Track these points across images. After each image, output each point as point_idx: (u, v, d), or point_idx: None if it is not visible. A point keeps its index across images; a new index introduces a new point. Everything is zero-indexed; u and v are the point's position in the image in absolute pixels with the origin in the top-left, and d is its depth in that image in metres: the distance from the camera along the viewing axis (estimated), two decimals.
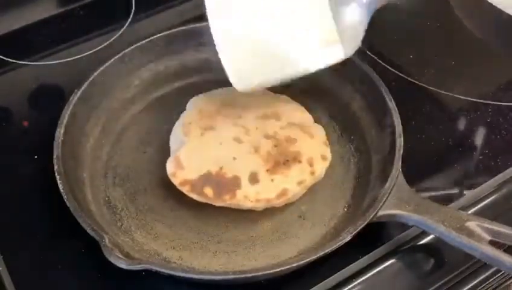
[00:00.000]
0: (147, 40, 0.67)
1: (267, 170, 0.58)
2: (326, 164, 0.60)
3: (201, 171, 0.58)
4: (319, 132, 0.62)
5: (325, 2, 0.56)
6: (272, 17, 0.56)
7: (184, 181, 0.58)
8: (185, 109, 0.64)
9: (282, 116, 0.63)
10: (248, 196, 0.57)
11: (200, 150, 0.60)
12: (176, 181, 0.58)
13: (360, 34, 0.57)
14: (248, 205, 0.57)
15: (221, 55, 0.56)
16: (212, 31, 0.56)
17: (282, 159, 0.59)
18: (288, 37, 0.56)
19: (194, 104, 0.64)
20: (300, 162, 0.59)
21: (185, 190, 0.57)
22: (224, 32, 0.56)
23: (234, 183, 0.57)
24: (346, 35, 0.57)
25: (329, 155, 0.60)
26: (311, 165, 0.59)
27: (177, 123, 0.63)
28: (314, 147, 0.60)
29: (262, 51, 0.56)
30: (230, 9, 0.57)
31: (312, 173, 0.59)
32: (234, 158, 0.59)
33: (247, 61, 0.56)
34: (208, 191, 0.57)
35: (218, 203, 0.57)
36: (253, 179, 0.58)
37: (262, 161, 0.59)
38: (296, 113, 0.63)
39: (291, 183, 0.58)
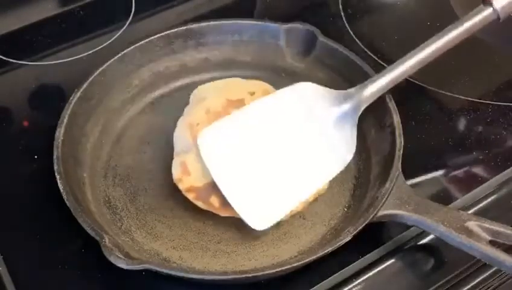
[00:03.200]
0: (146, 40, 0.67)
1: None
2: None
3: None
4: None
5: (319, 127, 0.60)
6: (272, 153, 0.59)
7: (190, 188, 0.58)
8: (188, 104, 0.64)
9: None
10: None
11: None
12: (181, 187, 0.58)
13: (354, 138, 0.60)
14: None
15: (232, 203, 0.56)
16: (217, 181, 0.57)
17: None
18: (293, 170, 0.58)
19: (199, 98, 0.63)
20: None
21: (191, 197, 0.57)
22: (229, 181, 0.57)
23: None
24: (342, 144, 0.60)
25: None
26: None
27: (181, 119, 0.62)
28: None
29: (269, 188, 0.57)
30: (227, 154, 0.58)
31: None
32: None
33: (261, 204, 0.57)
34: (214, 200, 0.57)
35: (224, 214, 0.57)
36: None
37: None
38: None
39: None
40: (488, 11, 0.60)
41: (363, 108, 0.60)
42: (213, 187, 0.57)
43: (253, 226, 0.56)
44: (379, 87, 0.60)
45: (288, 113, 0.61)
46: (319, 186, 0.59)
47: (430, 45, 0.60)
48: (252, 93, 0.64)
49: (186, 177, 0.58)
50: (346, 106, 0.60)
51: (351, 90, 0.61)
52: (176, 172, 0.58)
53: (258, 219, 0.56)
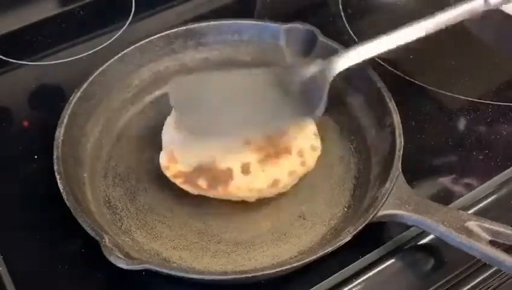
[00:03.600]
0: (146, 40, 0.67)
1: (259, 161, 0.58)
2: (317, 154, 0.60)
3: (194, 164, 0.58)
4: (309, 123, 0.63)
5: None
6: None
7: (178, 173, 0.58)
8: None
9: None
10: (240, 187, 0.57)
11: (193, 143, 0.60)
12: (169, 174, 0.58)
13: (324, 97, 0.60)
14: (240, 194, 0.58)
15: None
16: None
17: (273, 151, 0.59)
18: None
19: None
20: (290, 153, 0.59)
21: (179, 181, 0.58)
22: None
23: (227, 175, 0.58)
24: (310, 100, 0.60)
25: (319, 145, 0.61)
26: (301, 156, 0.59)
27: (169, 118, 0.62)
28: (304, 138, 0.61)
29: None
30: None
31: (303, 164, 0.59)
32: (226, 150, 0.59)
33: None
34: (202, 182, 0.57)
35: (211, 194, 0.58)
36: (245, 170, 0.58)
37: (254, 152, 0.59)
38: None
39: (282, 174, 0.58)
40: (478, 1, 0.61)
41: (333, 74, 0.60)
42: (200, 170, 0.58)
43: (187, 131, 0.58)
44: (351, 55, 0.60)
45: (260, 81, 0.62)
46: (275, 125, 0.60)
47: (412, 24, 0.60)
48: None
49: (174, 164, 0.58)
50: (313, 69, 0.61)
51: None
52: (163, 161, 0.59)
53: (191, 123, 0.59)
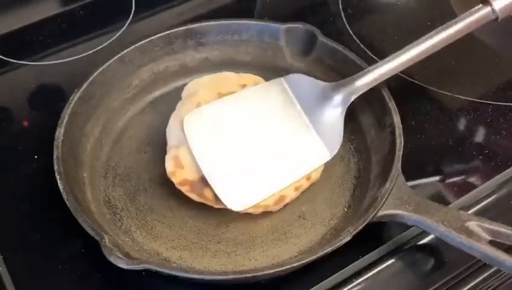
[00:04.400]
0: (147, 40, 0.67)
1: None
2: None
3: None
4: None
5: (305, 119, 0.61)
6: (256, 142, 0.60)
7: (184, 181, 0.58)
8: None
9: None
10: None
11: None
12: (175, 180, 0.58)
13: (341, 130, 0.60)
14: (246, 210, 0.57)
15: (211, 183, 0.57)
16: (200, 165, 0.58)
17: None
18: (274, 157, 0.59)
19: (190, 93, 0.63)
20: None
21: (184, 189, 0.57)
22: (210, 162, 0.58)
23: None
24: (328, 136, 0.60)
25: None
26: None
27: (173, 114, 0.62)
28: None
29: (251, 174, 0.58)
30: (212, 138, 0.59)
31: (308, 178, 0.59)
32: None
33: (239, 186, 0.58)
34: (208, 193, 0.57)
35: (217, 206, 0.57)
36: None
37: None
38: None
39: (288, 189, 0.58)
40: (486, 10, 0.60)
41: (351, 99, 0.60)
42: (206, 179, 0.57)
43: (229, 206, 0.56)
44: (369, 80, 0.60)
45: (274, 102, 0.62)
46: (301, 175, 0.59)
47: (425, 41, 0.60)
48: (243, 86, 0.64)
49: (180, 170, 0.58)
50: (333, 97, 0.60)
51: (341, 81, 0.61)
52: (169, 166, 0.58)
53: (235, 200, 0.57)
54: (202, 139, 0.59)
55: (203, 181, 0.57)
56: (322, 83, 0.62)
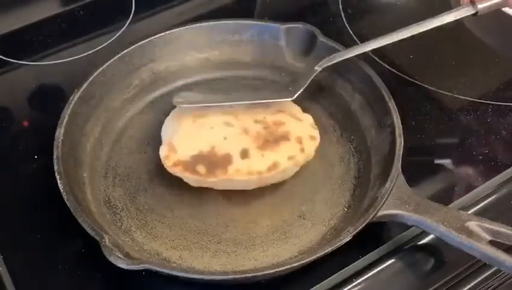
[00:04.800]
0: (146, 40, 0.67)
1: (258, 147, 0.59)
2: (315, 143, 0.61)
3: (193, 153, 0.58)
4: (307, 118, 0.63)
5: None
6: None
7: (177, 162, 0.58)
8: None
9: (271, 106, 0.63)
10: (240, 170, 0.58)
11: (192, 134, 0.60)
12: (168, 163, 0.58)
13: (304, 83, 0.64)
14: (240, 178, 0.58)
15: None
16: None
17: (272, 138, 0.60)
18: None
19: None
20: (289, 140, 0.60)
21: (178, 170, 0.58)
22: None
23: (226, 160, 0.58)
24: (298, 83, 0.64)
25: (317, 136, 0.61)
26: (300, 143, 0.60)
27: (168, 118, 0.63)
28: (302, 128, 0.61)
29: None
30: None
31: (302, 150, 0.60)
32: (225, 138, 0.60)
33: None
34: (200, 168, 0.58)
35: (210, 179, 0.58)
36: (244, 154, 0.59)
37: (252, 139, 0.60)
38: (285, 104, 0.64)
39: (281, 157, 0.59)
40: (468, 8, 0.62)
41: (324, 64, 0.64)
42: (198, 158, 0.58)
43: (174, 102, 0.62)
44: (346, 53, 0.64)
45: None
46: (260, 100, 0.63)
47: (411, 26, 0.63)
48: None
49: (173, 154, 0.59)
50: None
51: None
52: (163, 151, 0.59)
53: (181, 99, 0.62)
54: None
55: (195, 159, 0.58)
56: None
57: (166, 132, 0.62)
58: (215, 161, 0.58)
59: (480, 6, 0.62)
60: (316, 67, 0.64)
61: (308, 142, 0.60)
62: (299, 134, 0.61)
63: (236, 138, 0.60)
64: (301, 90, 0.63)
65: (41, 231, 0.58)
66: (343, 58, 0.64)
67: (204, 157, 0.58)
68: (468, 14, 0.62)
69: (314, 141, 0.61)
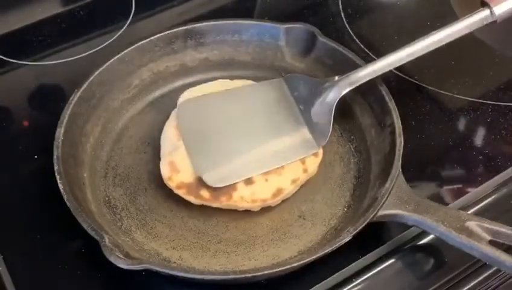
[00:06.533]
0: (147, 40, 0.67)
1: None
2: (318, 159, 0.61)
3: (196, 174, 0.58)
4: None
5: (298, 114, 0.63)
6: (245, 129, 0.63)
7: (180, 184, 0.58)
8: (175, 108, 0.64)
9: None
10: (244, 197, 0.58)
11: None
12: (172, 185, 0.58)
13: (330, 122, 0.61)
14: (244, 205, 0.58)
15: (191, 157, 0.60)
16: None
17: None
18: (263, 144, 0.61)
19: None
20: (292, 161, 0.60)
21: (182, 192, 0.58)
22: (195, 144, 0.61)
23: (230, 186, 0.58)
24: (318, 129, 0.61)
25: (320, 151, 0.61)
26: (303, 163, 0.60)
27: (167, 123, 0.63)
28: None
29: (233, 155, 0.60)
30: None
31: (305, 171, 0.60)
32: None
33: (218, 163, 0.60)
34: (204, 193, 0.57)
35: (215, 205, 0.58)
36: (248, 180, 0.58)
37: None
38: None
39: (285, 182, 0.59)
40: (485, 13, 0.61)
41: (342, 94, 0.61)
42: (202, 180, 0.58)
43: (204, 179, 0.57)
44: (360, 76, 0.61)
45: (269, 97, 0.65)
46: (285, 162, 0.60)
47: (420, 41, 0.60)
48: None
49: (176, 175, 0.58)
50: (325, 91, 0.61)
51: (334, 77, 0.62)
52: (165, 171, 0.59)
53: (212, 176, 0.58)
54: (192, 123, 0.62)
55: (199, 182, 0.58)
56: (316, 80, 0.63)
57: (166, 141, 0.62)
58: (219, 186, 0.58)
59: (498, 11, 0.60)
60: (335, 100, 0.60)
61: (311, 160, 0.60)
62: None
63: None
64: (328, 136, 0.61)
65: (41, 231, 0.58)
66: (365, 81, 0.60)
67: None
68: (487, 22, 0.61)
69: (317, 158, 0.61)
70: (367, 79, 0.60)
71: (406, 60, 0.61)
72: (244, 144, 0.61)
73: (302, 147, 0.61)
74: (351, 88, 0.61)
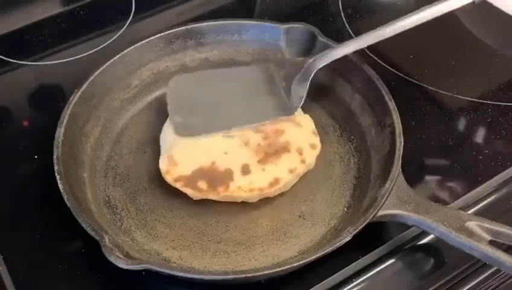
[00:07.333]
0: (147, 40, 0.67)
1: (258, 161, 0.59)
2: (316, 152, 0.61)
3: (194, 167, 0.58)
4: (307, 121, 0.63)
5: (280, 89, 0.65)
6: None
7: (178, 177, 0.58)
8: None
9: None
10: (241, 187, 0.58)
11: (192, 147, 0.60)
12: (170, 178, 0.58)
13: (304, 91, 0.63)
14: (242, 195, 0.58)
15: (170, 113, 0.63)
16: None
17: (272, 150, 0.60)
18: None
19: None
20: (289, 151, 0.60)
21: (179, 185, 0.58)
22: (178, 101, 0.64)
23: (227, 176, 0.58)
24: (294, 98, 0.63)
25: (318, 144, 0.61)
26: (300, 153, 0.60)
27: (167, 123, 0.63)
28: (302, 137, 0.61)
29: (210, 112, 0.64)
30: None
31: (302, 161, 0.60)
32: (225, 153, 0.60)
33: (194, 117, 0.63)
34: (202, 184, 0.57)
35: (212, 196, 0.58)
36: (245, 170, 0.58)
37: (253, 153, 0.59)
38: None
39: (282, 171, 0.59)
40: None
41: (318, 66, 0.63)
42: (199, 173, 0.58)
43: (175, 130, 0.61)
44: (328, 55, 0.63)
45: (255, 75, 0.66)
46: (259, 121, 0.62)
47: (396, 20, 0.62)
48: None
49: (174, 168, 0.59)
50: (301, 69, 0.63)
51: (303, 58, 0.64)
52: (164, 165, 0.59)
53: (182, 125, 0.61)
54: (178, 92, 0.64)
55: (196, 174, 0.58)
56: (300, 59, 0.65)
57: (165, 139, 0.62)
58: (216, 177, 0.58)
59: None
60: (312, 73, 0.63)
61: (309, 151, 0.60)
62: (300, 144, 0.60)
63: (236, 151, 0.60)
64: (301, 103, 0.63)
65: (41, 231, 0.58)
66: (338, 57, 0.63)
67: (205, 173, 0.58)
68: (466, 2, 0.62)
69: (315, 150, 0.61)
70: (343, 54, 0.62)
71: (380, 38, 0.62)
72: (221, 107, 0.64)
73: (277, 109, 0.63)
74: (328, 62, 0.63)
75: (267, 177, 0.58)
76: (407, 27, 0.62)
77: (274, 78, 0.65)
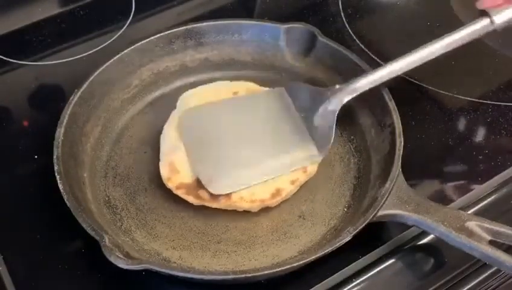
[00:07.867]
0: (147, 40, 0.67)
1: None
2: (318, 161, 0.61)
3: (195, 174, 0.58)
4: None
5: (300, 122, 0.62)
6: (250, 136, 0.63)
7: (179, 185, 0.58)
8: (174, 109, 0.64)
9: None
10: (243, 197, 0.58)
11: (194, 154, 0.60)
12: (171, 185, 0.58)
13: (332, 134, 0.60)
14: (243, 205, 0.58)
15: (194, 168, 0.59)
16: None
17: None
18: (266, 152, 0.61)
19: (184, 103, 0.64)
20: None
21: (181, 193, 0.58)
22: (198, 153, 0.61)
23: None
24: (319, 138, 0.61)
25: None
26: None
27: (167, 123, 0.63)
28: None
29: (236, 163, 0.60)
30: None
31: (304, 171, 0.60)
32: None
33: (222, 171, 0.59)
34: (203, 193, 0.57)
35: (214, 205, 0.58)
36: None
37: None
38: None
39: (284, 183, 0.59)
40: (485, 22, 0.61)
41: (343, 102, 0.60)
42: (201, 181, 0.58)
43: (209, 188, 0.57)
44: (359, 85, 0.60)
45: (271, 106, 0.64)
46: (287, 170, 0.59)
47: (422, 49, 0.61)
48: (235, 93, 0.66)
49: (175, 175, 0.59)
50: (326, 100, 0.61)
51: (336, 86, 0.61)
52: (165, 172, 0.59)
53: (216, 184, 0.58)
54: (194, 133, 0.61)
55: (198, 183, 0.58)
56: (317, 88, 0.63)
57: (165, 141, 0.62)
58: None
59: (498, 21, 0.60)
60: (337, 109, 0.60)
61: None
62: None
63: None
64: (330, 145, 0.60)
65: (41, 231, 0.58)
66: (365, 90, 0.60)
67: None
68: (487, 31, 0.61)
69: (317, 160, 0.61)
70: (368, 88, 0.60)
71: (406, 69, 0.61)
72: (247, 153, 0.61)
73: (305, 156, 0.60)
74: (352, 96, 0.60)
75: (269, 189, 0.58)
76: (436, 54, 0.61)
77: (290, 108, 0.64)
